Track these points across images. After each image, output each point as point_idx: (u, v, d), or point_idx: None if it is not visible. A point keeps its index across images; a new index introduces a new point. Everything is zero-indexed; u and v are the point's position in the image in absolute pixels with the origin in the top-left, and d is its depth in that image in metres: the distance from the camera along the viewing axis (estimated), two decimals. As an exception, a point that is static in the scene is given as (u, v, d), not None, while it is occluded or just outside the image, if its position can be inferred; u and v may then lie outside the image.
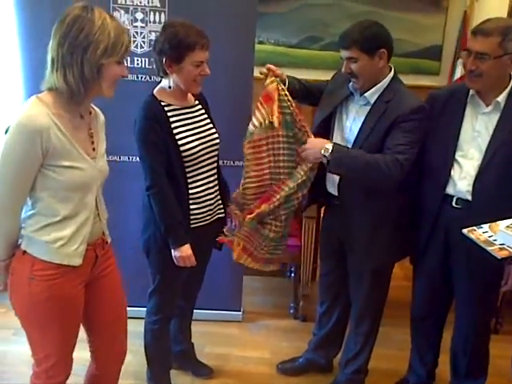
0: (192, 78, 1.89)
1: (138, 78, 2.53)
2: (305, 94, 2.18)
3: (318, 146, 1.92)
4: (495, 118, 1.89)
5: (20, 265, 1.53)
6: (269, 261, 2.20)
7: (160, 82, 1.98)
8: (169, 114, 1.92)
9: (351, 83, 2.00)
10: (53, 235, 1.50)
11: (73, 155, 1.47)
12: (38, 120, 1.40)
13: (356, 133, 1.99)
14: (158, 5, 2.47)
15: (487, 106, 1.91)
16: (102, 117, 1.68)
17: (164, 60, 1.86)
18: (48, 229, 1.50)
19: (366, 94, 1.96)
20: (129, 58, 2.48)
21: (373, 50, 1.88)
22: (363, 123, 1.97)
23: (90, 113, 1.60)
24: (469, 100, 1.95)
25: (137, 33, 2.50)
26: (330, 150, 1.89)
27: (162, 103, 1.92)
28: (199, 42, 1.84)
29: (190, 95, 2.02)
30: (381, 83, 1.96)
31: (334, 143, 1.95)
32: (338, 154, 1.90)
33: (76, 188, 1.50)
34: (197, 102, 2.05)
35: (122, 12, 2.46)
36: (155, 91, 1.96)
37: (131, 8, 2.47)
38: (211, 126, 2.06)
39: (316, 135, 2.02)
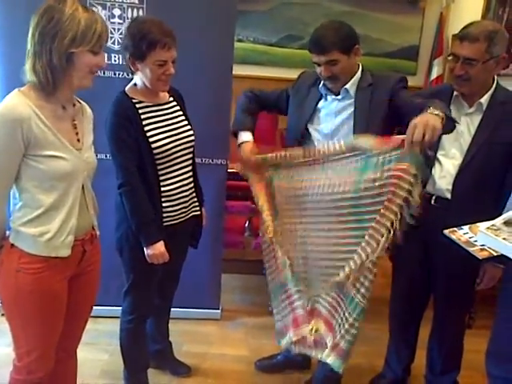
0: (155, 78, 1.85)
1: (115, 74, 2.51)
2: (267, 109, 2.23)
3: (429, 117, 1.61)
4: (477, 118, 1.92)
5: (8, 257, 1.54)
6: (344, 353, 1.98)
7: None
8: (140, 111, 1.89)
9: (321, 85, 2.01)
10: (39, 229, 1.51)
11: (55, 145, 1.48)
12: (18, 110, 1.41)
13: (352, 126, 1.95)
14: (136, 1, 2.45)
15: (470, 106, 1.94)
16: (89, 110, 1.69)
17: (128, 57, 1.84)
18: (35, 222, 1.51)
19: (346, 87, 1.97)
20: (106, 55, 2.45)
21: (350, 48, 1.90)
22: (355, 112, 1.95)
23: (75, 105, 1.60)
24: (452, 101, 1.97)
25: (114, 29, 2.47)
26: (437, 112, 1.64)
27: (133, 100, 1.90)
28: (161, 41, 1.78)
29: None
30: (356, 74, 1.99)
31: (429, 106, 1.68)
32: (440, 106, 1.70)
33: (60, 178, 1.50)
34: (171, 99, 2.03)
35: (100, 8, 2.43)
36: (127, 88, 1.94)
37: (108, 4, 2.44)
38: (186, 122, 2.04)
39: (294, 146, 2.02)
